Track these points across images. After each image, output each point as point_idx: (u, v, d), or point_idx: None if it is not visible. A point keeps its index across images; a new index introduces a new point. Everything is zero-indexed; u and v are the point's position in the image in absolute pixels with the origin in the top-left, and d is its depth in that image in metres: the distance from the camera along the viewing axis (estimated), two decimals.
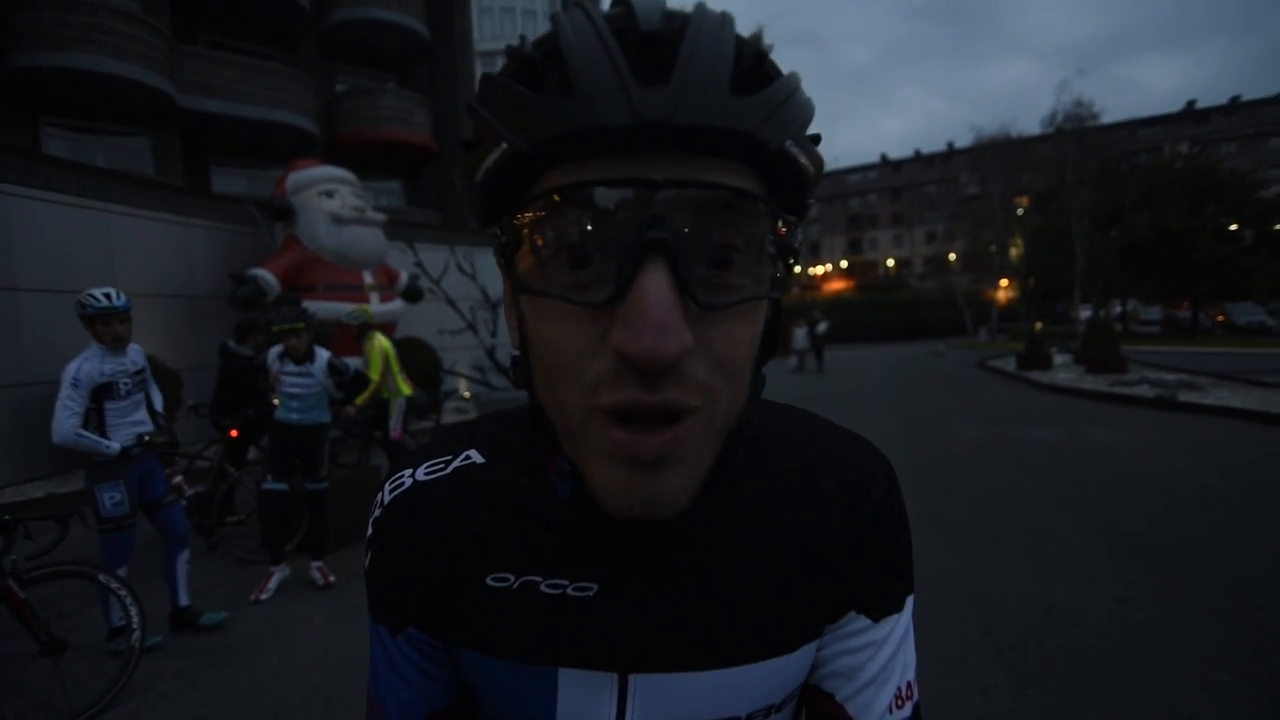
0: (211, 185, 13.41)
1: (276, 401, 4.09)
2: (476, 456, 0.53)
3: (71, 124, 11.44)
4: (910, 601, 0.53)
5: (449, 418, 9.57)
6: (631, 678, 0.48)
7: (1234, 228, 24.87)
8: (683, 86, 0.34)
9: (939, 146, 64.82)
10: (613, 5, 0.38)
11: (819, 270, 66.90)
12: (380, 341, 5.57)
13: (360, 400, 5.40)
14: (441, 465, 0.53)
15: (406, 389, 5.86)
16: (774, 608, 0.49)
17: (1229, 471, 5.73)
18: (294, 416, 4.03)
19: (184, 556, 3.44)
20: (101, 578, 2.82)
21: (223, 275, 8.99)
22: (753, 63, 0.38)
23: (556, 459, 0.45)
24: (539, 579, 0.48)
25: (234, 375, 5.13)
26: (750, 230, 0.37)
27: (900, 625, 0.52)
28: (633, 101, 0.34)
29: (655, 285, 0.34)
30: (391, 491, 0.53)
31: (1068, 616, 3.17)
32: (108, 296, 3.10)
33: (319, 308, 8.38)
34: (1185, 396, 9.66)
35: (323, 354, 4.07)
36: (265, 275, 8.54)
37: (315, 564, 4.04)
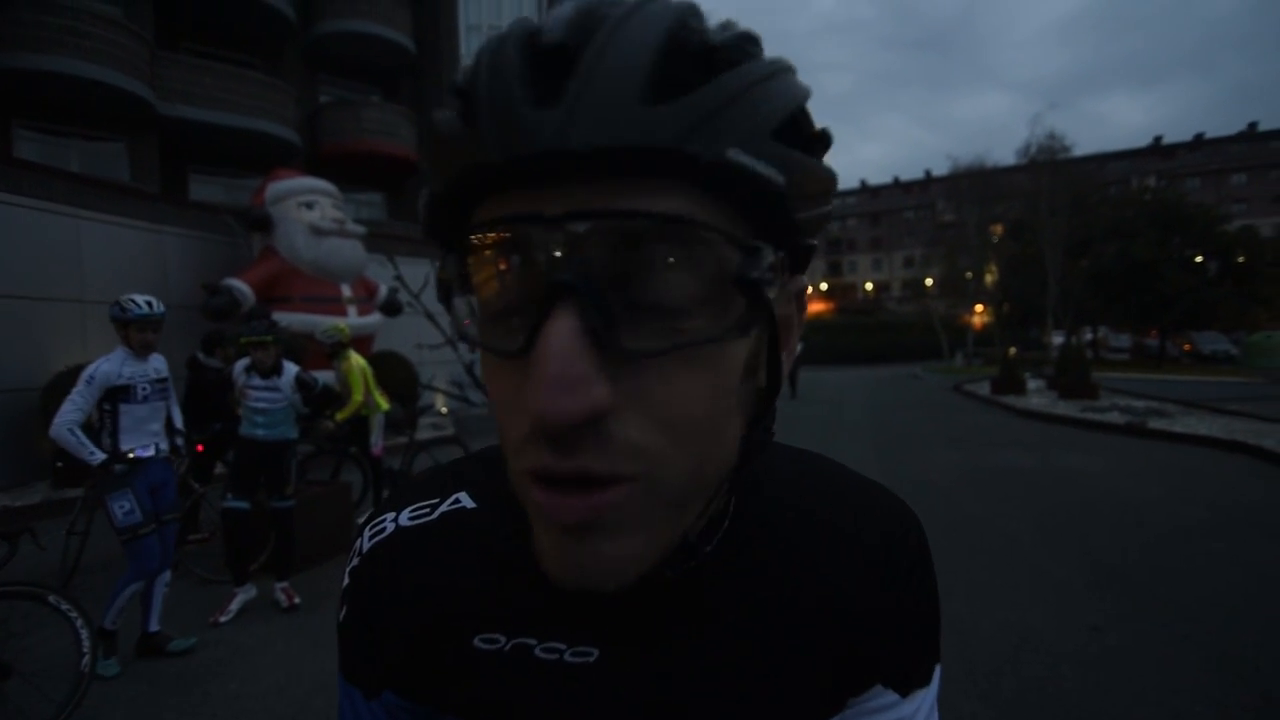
0: (189, 193, 13.22)
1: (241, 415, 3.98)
2: (467, 501, 0.48)
3: (45, 127, 11.23)
4: (938, 672, 0.49)
5: (425, 434, 9.42)
6: None
7: (1199, 259, 25.64)
8: (575, 104, 0.29)
9: (917, 174, 66.34)
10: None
11: None
12: (356, 360, 5.49)
13: (341, 416, 5.31)
14: (428, 510, 0.48)
15: (385, 404, 5.79)
16: (794, 679, 0.44)
17: (1198, 499, 5.83)
18: (259, 432, 3.91)
19: (163, 579, 3.31)
20: (51, 599, 2.69)
21: (196, 285, 8.82)
22: (695, 57, 0.31)
23: None
24: (533, 642, 0.43)
25: (202, 388, 5.01)
26: (694, 262, 0.30)
27: (928, 701, 0.48)
28: (523, 127, 0.29)
29: (557, 335, 0.29)
30: (371, 538, 0.48)
31: (1042, 644, 3.17)
32: (149, 304, 3.21)
33: (295, 320, 8.27)
34: (1155, 423, 9.86)
35: (291, 368, 3.98)
36: (240, 286, 8.40)
37: (280, 585, 3.91)
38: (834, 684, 0.46)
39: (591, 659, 0.43)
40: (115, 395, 3.16)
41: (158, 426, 3.32)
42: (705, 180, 0.30)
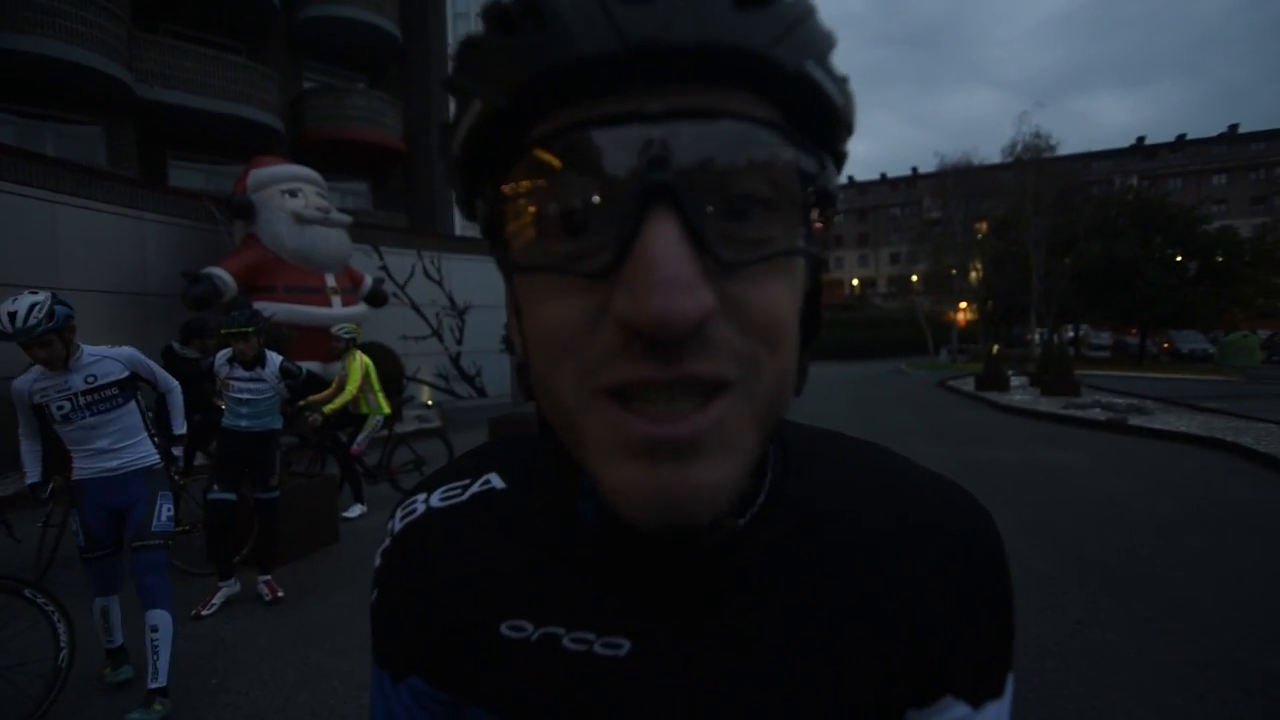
0: (169, 179, 12.97)
1: (223, 406, 3.89)
2: (497, 481, 0.47)
3: (20, 110, 10.96)
4: (1011, 681, 0.45)
5: (409, 426, 9.35)
6: None
7: (1179, 259, 26.04)
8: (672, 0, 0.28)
9: (904, 171, 66.76)
10: None
11: None
12: (362, 358, 5.59)
13: (330, 409, 5.31)
14: (459, 490, 0.47)
15: (386, 408, 5.86)
16: (849, 688, 0.40)
17: (1177, 495, 5.92)
18: (243, 423, 3.83)
19: (155, 619, 2.72)
20: (27, 593, 2.63)
21: (176, 272, 8.67)
22: None
23: (581, 477, 0.38)
24: (561, 631, 0.41)
25: (178, 379, 4.93)
26: (774, 171, 0.30)
27: (1003, 713, 0.44)
28: (615, 22, 0.28)
29: (661, 237, 0.28)
30: (403, 519, 0.47)
31: (1027, 638, 3.20)
32: (27, 317, 2.52)
33: (278, 309, 8.15)
34: (1135, 420, 9.99)
35: (274, 358, 3.90)
36: (221, 274, 8.26)
37: (263, 578, 3.86)
38: (889, 691, 0.41)
39: (622, 652, 0.40)
40: (40, 415, 2.76)
41: (111, 442, 2.81)
42: (782, 92, 0.31)
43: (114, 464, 2.83)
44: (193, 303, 7.88)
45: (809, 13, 0.31)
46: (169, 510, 2.92)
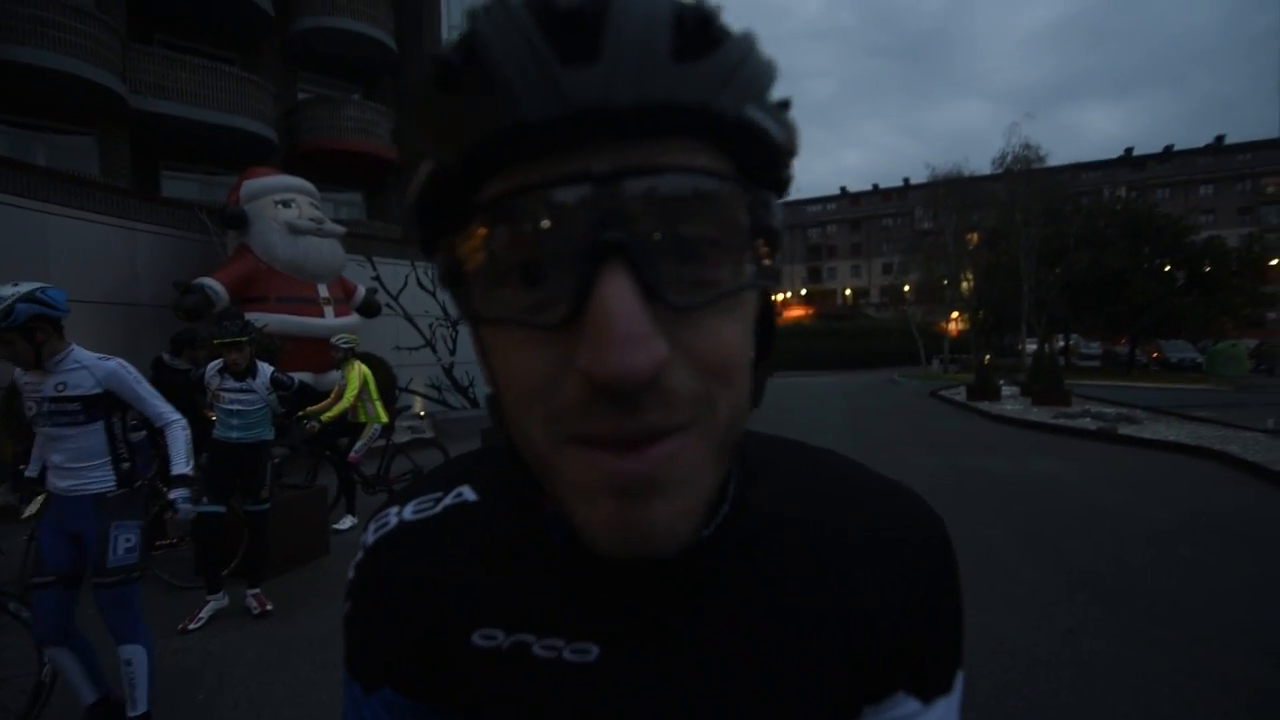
0: (162, 190, 12.94)
1: (213, 418, 3.88)
2: (469, 494, 0.48)
3: (12, 120, 10.93)
4: (960, 678, 0.47)
5: (403, 437, 9.31)
6: None
7: (1167, 269, 26.29)
8: (615, 60, 0.29)
9: (896, 181, 67.16)
10: None
11: (778, 298, 68.23)
12: (361, 368, 5.65)
13: (327, 416, 5.33)
14: (431, 503, 0.48)
15: (384, 416, 5.93)
16: (808, 686, 0.42)
17: (1167, 504, 5.95)
18: (234, 434, 3.81)
19: (128, 654, 2.56)
20: (11, 606, 2.60)
21: (168, 283, 8.62)
22: (697, 25, 0.32)
23: (549, 499, 0.40)
24: (531, 639, 0.42)
25: (168, 390, 4.89)
26: (719, 215, 0.32)
27: (951, 708, 0.46)
28: (558, 85, 0.29)
29: (616, 293, 0.29)
30: (375, 532, 0.48)
31: (1018, 648, 3.21)
32: None
33: (271, 320, 8.13)
34: (1124, 429, 10.06)
35: (265, 368, 3.90)
36: (213, 284, 8.23)
37: (251, 591, 3.83)
38: (848, 690, 0.43)
39: (591, 657, 0.42)
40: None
41: (64, 460, 2.54)
42: (726, 137, 0.32)
43: (64, 484, 2.55)
44: (185, 314, 7.84)
45: (748, 53, 0.32)
46: (128, 541, 2.59)
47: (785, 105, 0.35)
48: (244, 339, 3.71)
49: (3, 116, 10.82)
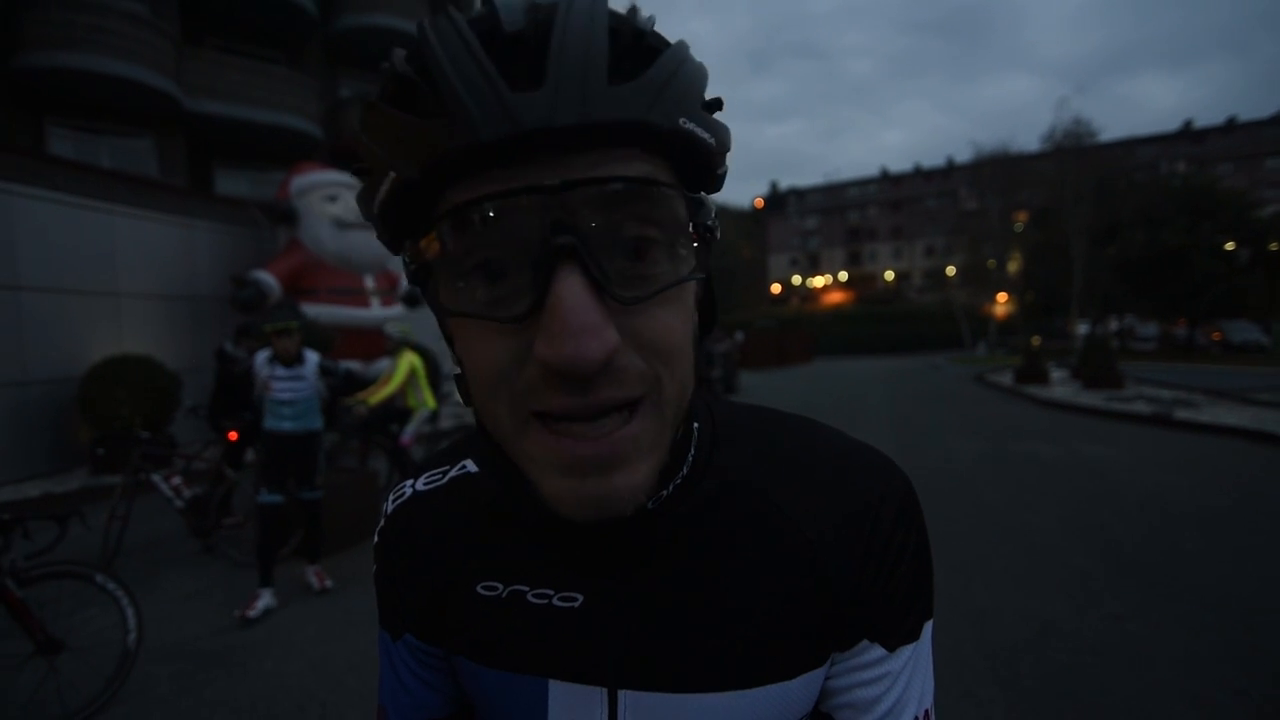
0: (215, 187, 13.43)
1: (263, 410, 3.93)
2: (471, 466, 0.55)
3: (77, 124, 11.46)
4: (929, 628, 0.50)
5: (447, 423, 9.56)
6: (621, 694, 0.47)
7: (1230, 247, 25.03)
8: (557, 86, 0.33)
9: (939, 161, 65.24)
10: (481, 5, 0.37)
11: (818, 282, 67.10)
12: (411, 356, 5.80)
13: (374, 400, 5.48)
14: (439, 475, 0.55)
15: (433, 402, 6.08)
16: (771, 630, 0.46)
17: (1223, 489, 5.75)
18: (287, 425, 3.87)
19: None
20: (98, 579, 2.81)
21: (225, 277, 9.02)
22: (631, 42, 0.36)
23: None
24: (525, 588, 0.49)
25: (231, 378, 5.15)
26: (660, 216, 0.36)
27: (919, 654, 0.49)
28: (509, 109, 0.32)
29: (569, 291, 0.33)
30: (394, 502, 0.56)
31: (1063, 633, 3.18)
32: None
33: (321, 311, 8.41)
34: (1181, 414, 9.70)
35: (312, 356, 3.96)
36: (266, 278, 8.56)
37: (312, 568, 4.02)
38: (813, 636, 0.47)
39: (577, 604, 0.48)
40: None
41: None
42: (662, 146, 0.37)
43: None
44: (240, 306, 8.18)
45: (679, 66, 0.36)
46: None
47: (716, 106, 0.40)
48: (294, 324, 3.79)
49: (68, 121, 11.37)
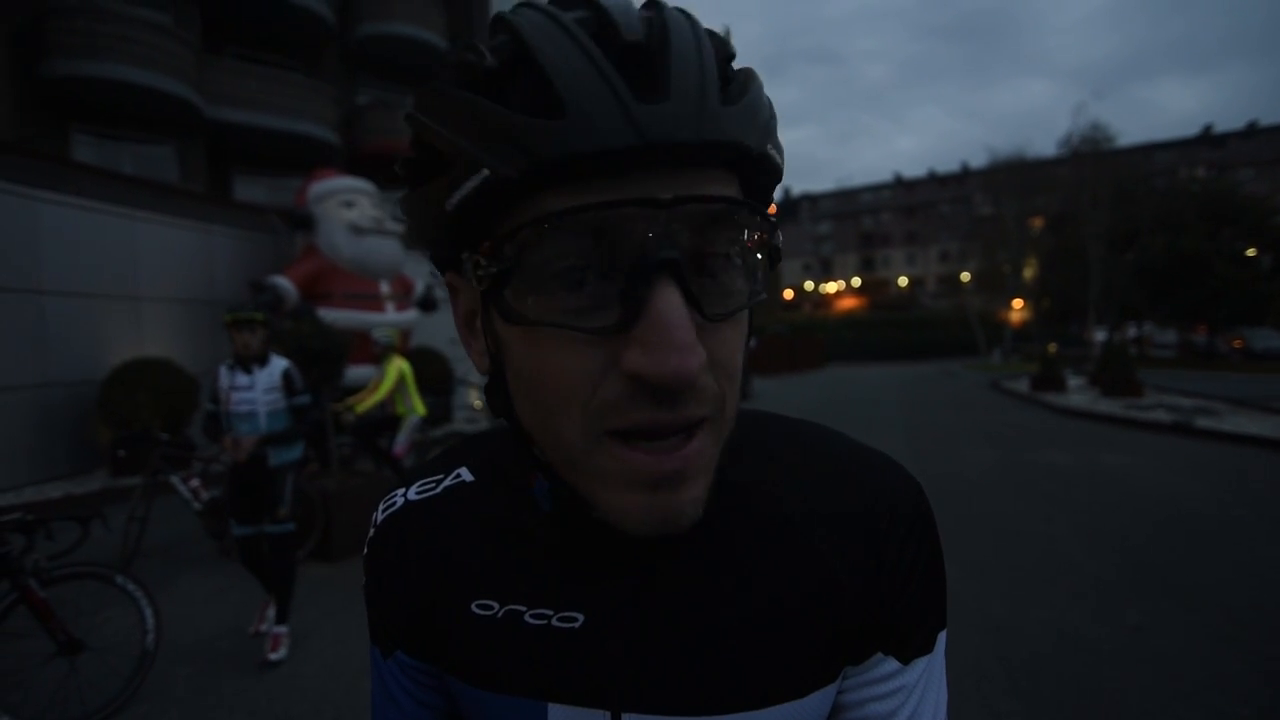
0: (234, 193, 13.62)
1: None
2: (466, 474, 0.53)
3: (100, 131, 11.68)
4: (943, 638, 0.48)
5: (460, 427, 9.61)
6: (625, 717, 0.45)
7: (1251, 253, 24.66)
8: (681, 100, 0.33)
9: (953, 166, 64.84)
10: (575, 7, 0.36)
11: (831, 288, 66.81)
12: (399, 363, 5.75)
13: (361, 407, 5.45)
14: (433, 484, 0.53)
15: (422, 409, 5.97)
16: (782, 647, 0.44)
17: (1246, 499, 5.65)
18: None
19: None
20: (119, 579, 2.85)
21: (243, 282, 9.13)
22: (725, 66, 0.37)
23: (538, 476, 0.44)
24: (523, 608, 0.46)
25: None
26: (740, 237, 0.37)
27: (933, 666, 0.47)
28: (634, 118, 0.32)
29: (670, 305, 0.33)
30: (384, 512, 0.53)
31: (1082, 644, 3.14)
32: None
33: (337, 316, 8.49)
34: (1202, 422, 9.55)
35: (279, 362, 3.34)
36: (284, 283, 8.65)
37: (276, 628, 3.23)
38: (825, 652, 0.45)
39: (577, 624, 0.45)
40: None
41: None
42: (747, 169, 0.38)
43: None
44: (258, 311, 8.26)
45: (763, 96, 0.38)
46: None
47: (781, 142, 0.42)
48: (259, 317, 3.24)
49: (92, 128, 11.58)
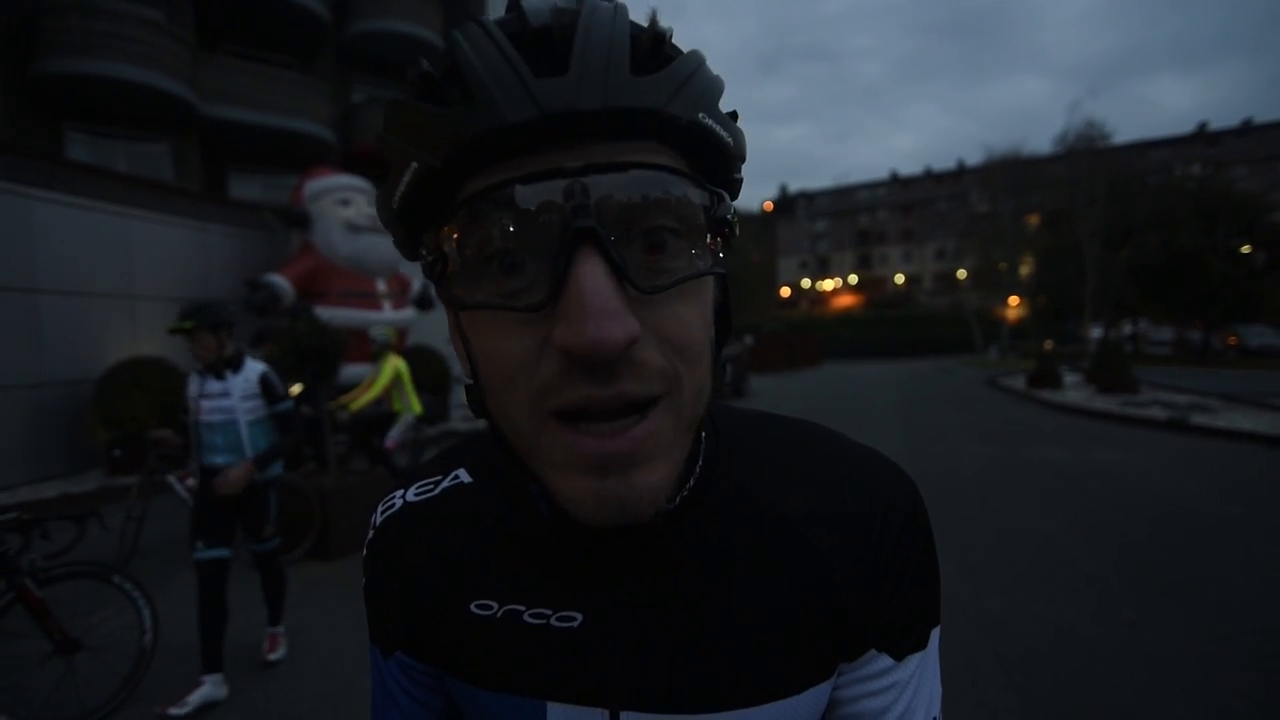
0: (229, 191, 13.56)
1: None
2: (464, 476, 0.53)
3: (94, 129, 11.61)
4: (936, 634, 0.49)
5: (457, 425, 9.60)
6: (624, 715, 0.45)
7: (1246, 250, 24.77)
8: (582, 73, 0.33)
9: (949, 164, 64.97)
10: (507, 10, 0.37)
11: (828, 285, 66.91)
12: (394, 361, 5.76)
13: (355, 405, 5.45)
14: (431, 486, 0.53)
15: (418, 407, 5.99)
16: (778, 645, 0.45)
17: (1241, 495, 5.68)
18: (218, 459, 2.98)
19: None
20: (116, 579, 2.84)
21: (239, 280, 9.09)
22: (651, 45, 0.36)
23: (534, 477, 0.44)
24: (522, 608, 0.47)
25: None
26: (679, 208, 0.36)
27: (926, 662, 0.48)
28: (533, 95, 0.33)
29: (589, 274, 0.33)
30: (383, 513, 0.53)
31: (1078, 640, 3.15)
32: None
33: (333, 314, 8.47)
34: (1197, 419, 9.59)
35: (255, 366, 3.09)
36: (279, 281, 8.63)
37: (271, 629, 3.24)
38: (820, 649, 0.46)
39: (575, 624, 0.46)
40: None
41: None
42: (680, 140, 0.37)
43: None
44: (254, 310, 8.24)
45: (697, 68, 0.37)
46: None
47: (734, 116, 0.40)
48: (189, 325, 2.88)
49: (85, 126, 11.51)
